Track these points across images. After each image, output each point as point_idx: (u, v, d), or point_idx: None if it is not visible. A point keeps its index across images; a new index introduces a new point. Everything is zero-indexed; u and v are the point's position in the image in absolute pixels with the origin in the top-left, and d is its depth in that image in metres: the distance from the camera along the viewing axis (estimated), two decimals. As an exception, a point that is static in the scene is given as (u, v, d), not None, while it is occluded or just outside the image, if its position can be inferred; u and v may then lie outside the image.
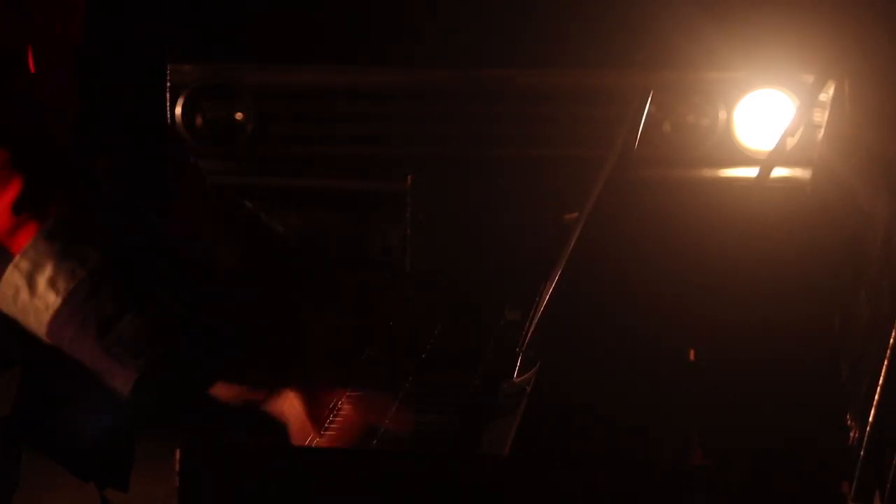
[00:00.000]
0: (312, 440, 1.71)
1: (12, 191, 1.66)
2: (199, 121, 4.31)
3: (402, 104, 4.33)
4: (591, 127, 4.24)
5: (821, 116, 4.08)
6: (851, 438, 1.73)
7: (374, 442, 1.69)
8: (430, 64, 4.33)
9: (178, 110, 4.27)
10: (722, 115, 4.27)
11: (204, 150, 4.31)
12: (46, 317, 1.66)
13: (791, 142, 4.12)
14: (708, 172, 4.26)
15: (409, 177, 4.15)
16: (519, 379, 1.81)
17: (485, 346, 1.99)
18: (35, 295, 1.66)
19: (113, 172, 1.85)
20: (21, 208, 1.65)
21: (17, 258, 1.65)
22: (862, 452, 1.63)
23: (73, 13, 1.86)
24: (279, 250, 2.13)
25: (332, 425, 1.72)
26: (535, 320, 1.83)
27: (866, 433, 1.63)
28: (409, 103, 4.32)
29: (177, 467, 1.56)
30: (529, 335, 1.83)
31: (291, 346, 1.89)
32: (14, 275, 1.66)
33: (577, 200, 2.07)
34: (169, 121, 2.19)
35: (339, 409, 1.75)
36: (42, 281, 1.65)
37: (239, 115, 4.34)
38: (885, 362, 1.62)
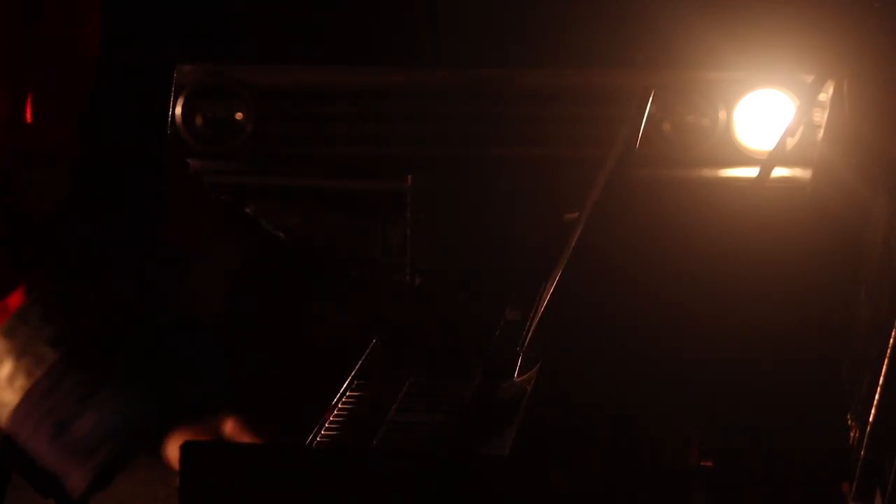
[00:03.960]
0: None
1: None
2: (199, 121, 4.31)
3: (402, 104, 4.33)
4: (591, 127, 4.24)
5: (821, 116, 4.08)
6: (851, 438, 1.73)
7: (374, 442, 1.69)
8: (430, 64, 4.33)
9: (178, 110, 4.27)
10: (722, 115, 4.27)
11: (204, 150, 4.31)
12: (4, 413, 1.66)
13: (791, 142, 4.12)
14: (708, 172, 4.26)
15: (409, 177, 4.15)
16: (519, 379, 1.81)
17: (485, 346, 1.99)
18: None
19: (95, 240, 1.85)
20: None
21: None
22: (862, 452, 1.63)
23: (80, 62, 1.87)
24: (282, 254, 2.14)
25: None
26: (535, 320, 1.82)
27: (866, 433, 1.63)
28: (409, 103, 4.32)
29: (177, 467, 1.56)
30: (529, 335, 1.83)
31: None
32: None
33: (578, 200, 2.07)
34: (169, 128, 2.20)
35: None
36: (3, 377, 1.65)
37: (239, 115, 4.34)
38: (885, 362, 1.62)
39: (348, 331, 2.10)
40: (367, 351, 1.99)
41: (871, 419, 1.63)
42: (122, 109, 1.96)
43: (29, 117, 1.81)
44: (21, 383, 1.64)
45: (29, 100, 1.81)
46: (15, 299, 1.67)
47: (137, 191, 1.99)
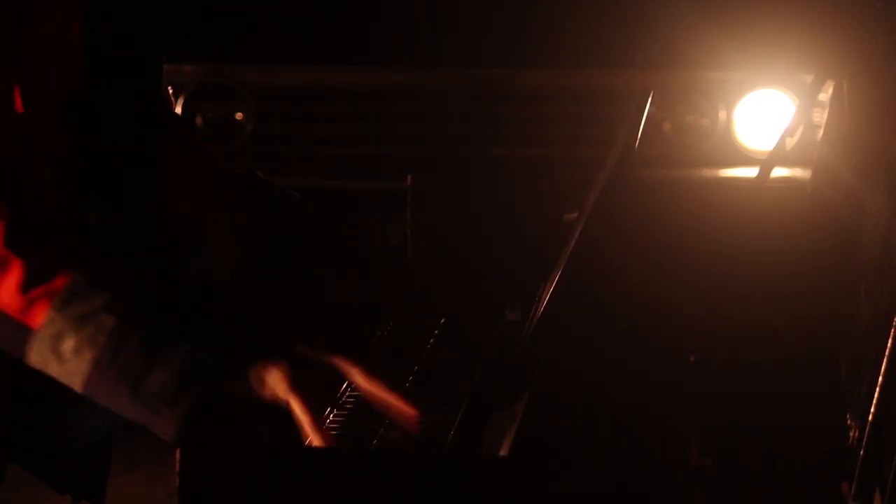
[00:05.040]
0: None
1: (15, 271, 1.71)
2: (199, 121, 4.31)
3: (402, 104, 4.32)
4: (591, 127, 4.24)
5: (821, 116, 4.08)
6: (851, 438, 1.73)
7: (374, 442, 1.69)
8: (430, 64, 4.33)
9: (178, 110, 4.27)
10: (722, 115, 4.27)
11: (204, 150, 4.30)
12: (79, 381, 1.71)
13: (791, 142, 4.13)
14: (708, 172, 4.26)
15: (409, 177, 4.15)
16: (519, 379, 1.81)
17: (485, 346, 1.99)
18: (63, 363, 1.71)
19: (108, 219, 1.90)
20: (28, 287, 1.71)
21: (38, 332, 1.71)
22: (862, 452, 1.63)
23: (67, 58, 1.89)
24: (296, 215, 2.17)
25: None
26: (535, 320, 1.82)
27: (866, 433, 1.63)
28: (409, 103, 4.32)
29: (177, 467, 1.56)
30: (529, 335, 1.83)
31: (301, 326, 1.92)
32: (39, 348, 1.72)
33: (577, 200, 2.07)
34: (169, 111, 2.23)
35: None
36: (67, 350, 1.71)
37: (239, 115, 4.34)
38: (885, 362, 1.62)
39: (354, 305, 2.13)
40: (366, 350, 1.99)
41: (870, 419, 1.63)
42: (118, 108, 1.98)
43: (28, 117, 1.82)
44: (88, 353, 1.70)
45: (28, 100, 1.82)
46: (61, 276, 1.72)
47: (137, 188, 2.01)
